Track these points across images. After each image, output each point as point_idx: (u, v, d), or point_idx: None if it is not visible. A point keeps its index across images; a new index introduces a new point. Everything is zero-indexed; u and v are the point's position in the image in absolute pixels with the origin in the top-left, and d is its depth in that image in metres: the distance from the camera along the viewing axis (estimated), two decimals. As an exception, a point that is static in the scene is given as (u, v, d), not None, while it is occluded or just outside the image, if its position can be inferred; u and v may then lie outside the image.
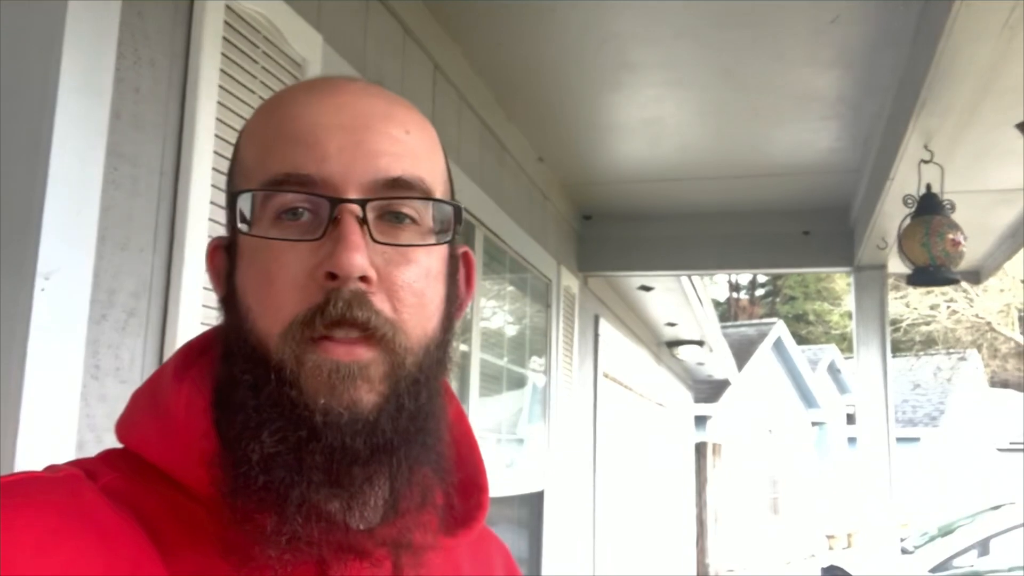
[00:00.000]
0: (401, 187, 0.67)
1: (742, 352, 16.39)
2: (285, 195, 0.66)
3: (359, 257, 0.63)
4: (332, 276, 0.63)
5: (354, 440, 0.63)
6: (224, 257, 0.72)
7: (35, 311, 1.37)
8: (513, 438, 4.31)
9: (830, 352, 23.43)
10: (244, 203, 0.67)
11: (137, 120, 1.65)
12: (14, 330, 1.36)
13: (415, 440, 0.67)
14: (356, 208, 0.65)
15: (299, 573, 0.63)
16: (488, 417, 3.83)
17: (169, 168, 1.74)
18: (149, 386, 0.72)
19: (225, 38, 1.86)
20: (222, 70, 1.85)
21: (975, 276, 5.47)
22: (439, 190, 0.72)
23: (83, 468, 0.65)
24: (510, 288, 4.28)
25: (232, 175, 0.74)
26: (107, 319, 1.57)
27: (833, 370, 23.24)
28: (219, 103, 1.82)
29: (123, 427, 0.71)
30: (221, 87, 1.84)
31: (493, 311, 4.07)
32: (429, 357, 0.69)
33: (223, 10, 1.86)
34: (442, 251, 0.71)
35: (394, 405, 0.65)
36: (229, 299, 0.70)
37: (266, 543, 0.61)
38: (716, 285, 34.45)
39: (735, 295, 35.89)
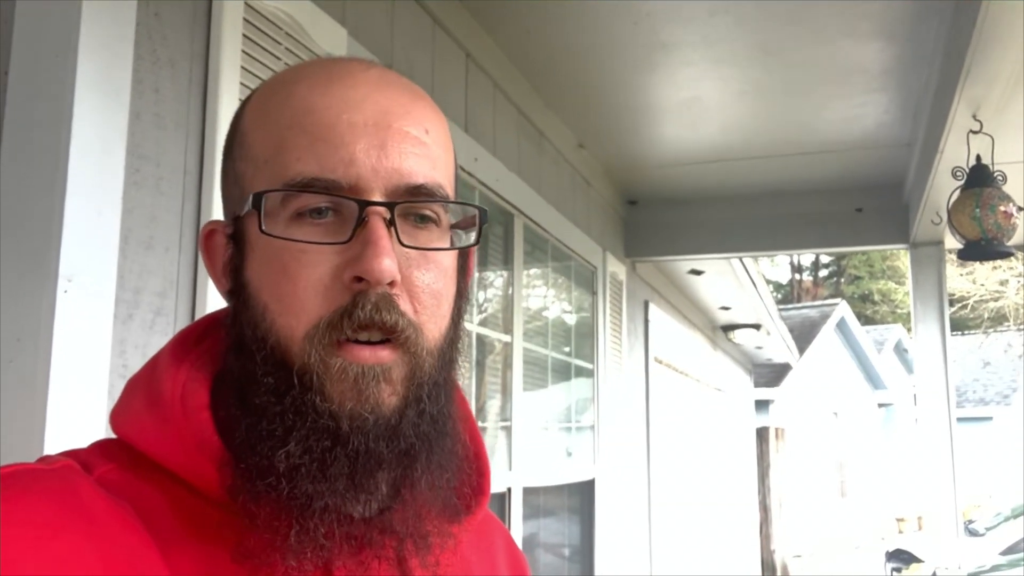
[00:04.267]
0: (423, 193, 0.68)
1: (804, 334, 16.13)
2: (309, 196, 0.65)
3: (389, 262, 0.63)
4: (359, 279, 0.63)
5: (377, 444, 0.63)
6: (228, 246, 0.71)
7: (59, 313, 1.38)
8: (562, 427, 4.30)
9: (896, 332, 22.96)
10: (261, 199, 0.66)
11: (158, 120, 1.67)
12: (39, 332, 1.38)
13: (436, 443, 0.68)
14: (384, 211, 0.65)
15: (307, 566, 0.63)
16: (534, 406, 3.81)
17: (193, 167, 1.75)
18: (144, 375, 0.71)
19: (246, 35, 1.87)
20: (243, 67, 1.86)
21: (1036, 249, 5.29)
22: (451, 185, 0.72)
23: (78, 459, 0.65)
24: (554, 276, 4.26)
25: (235, 157, 0.72)
26: (134, 318, 1.59)
27: (900, 350, 22.78)
28: (241, 101, 1.83)
29: (118, 416, 0.70)
30: (243, 85, 1.85)
31: (536, 299, 4.05)
32: (444, 358, 0.69)
33: (243, 8, 1.86)
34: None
35: (415, 410, 0.66)
36: (239, 293, 0.69)
37: (287, 551, 0.61)
38: (777, 267, 33.93)
39: (798, 276, 35.26)
